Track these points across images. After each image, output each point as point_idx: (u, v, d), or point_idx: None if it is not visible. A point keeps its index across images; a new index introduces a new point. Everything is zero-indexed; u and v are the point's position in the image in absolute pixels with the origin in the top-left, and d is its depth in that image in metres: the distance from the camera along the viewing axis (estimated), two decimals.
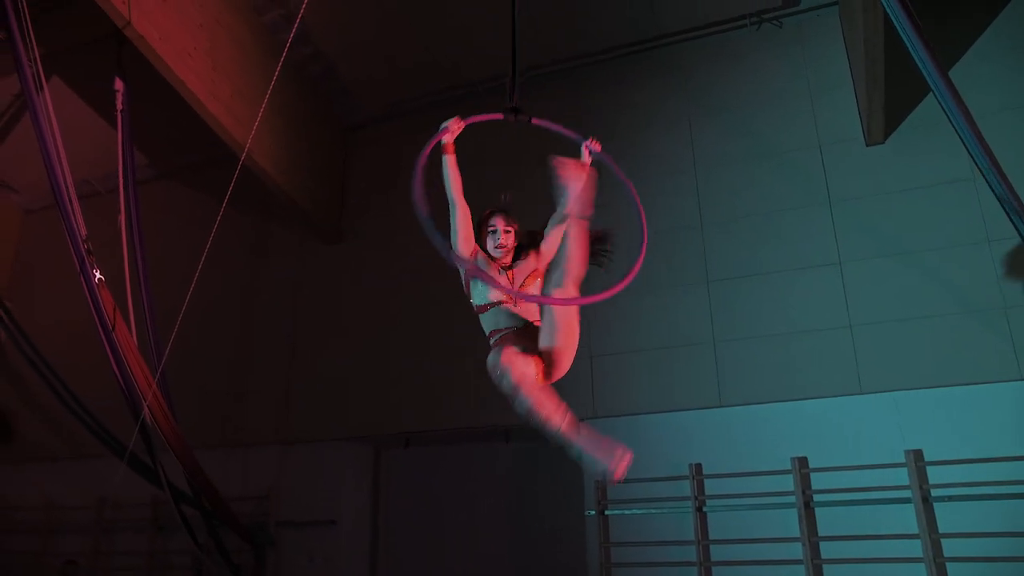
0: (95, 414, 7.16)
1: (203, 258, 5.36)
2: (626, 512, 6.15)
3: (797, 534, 5.50)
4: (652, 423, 6.33)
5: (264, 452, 7.66)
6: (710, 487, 5.98)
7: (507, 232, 3.34)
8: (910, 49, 3.52)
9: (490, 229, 3.36)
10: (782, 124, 6.68)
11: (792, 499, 5.59)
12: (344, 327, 7.82)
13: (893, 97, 5.87)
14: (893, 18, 3.52)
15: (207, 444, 7.58)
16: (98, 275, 5.77)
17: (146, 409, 5.88)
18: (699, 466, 6.01)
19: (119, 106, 6.65)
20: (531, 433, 6.98)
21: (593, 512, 6.21)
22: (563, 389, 6.66)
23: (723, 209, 6.59)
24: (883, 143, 6.31)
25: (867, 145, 6.35)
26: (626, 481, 6.01)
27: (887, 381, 5.79)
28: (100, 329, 5.97)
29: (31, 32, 5.56)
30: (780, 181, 6.55)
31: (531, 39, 7.12)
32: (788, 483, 5.63)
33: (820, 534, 5.48)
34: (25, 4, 5.48)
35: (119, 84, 6.70)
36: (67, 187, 5.66)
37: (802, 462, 5.66)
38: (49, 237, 8.51)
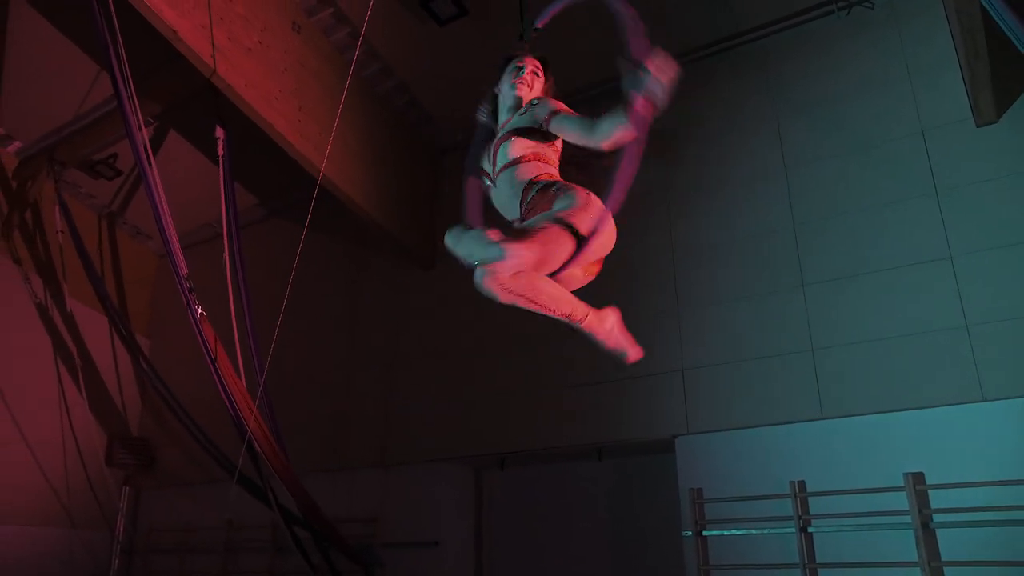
0: (215, 441, 7.65)
1: (290, 283, 5.65)
2: (725, 533, 5.83)
3: (915, 558, 4.99)
4: (748, 438, 5.98)
5: (368, 475, 7.87)
6: (815, 506, 5.56)
7: (535, 74, 2.95)
8: (1001, 25, 3.16)
9: (517, 65, 2.98)
10: (879, 113, 6.20)
11: (907, 519, 5.09)
12: (440, 349, 7.94)
13: (1003, 70, 5.30)
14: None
15: (316, 468, 7.92)
16: (200, 311, 6.19)
17: (248, 435, 6.20)
18: (802, 483, 5.60)
19: (220, 152, 7.15)
20: (623, 450, 6.79)
21: (690, 533, 5.92)
22: (652, 403, 6.44)
23: (817, 208, 6.18)
24: (996, 122, 5.71)
25: (977, 126, 5.77)
26: (725, 500, 5.76)
27: (1015, 387, 5.18)
28: (208, 361, 6.40)
29: (135, 100, 6.08)
30: (879, 174, 6.06)
31: (605, 51, 7.04)
32: (902, 501, 5.14)
33: (943, 558, 4.95)
34: (129, 73, 6.00)
35: (219, 131, 7.21)
36: (168, 233, 6.12)
37: (917, 478, 5.14)
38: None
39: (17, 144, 8.86)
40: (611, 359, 6.76)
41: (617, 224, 2.80)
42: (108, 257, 10.03)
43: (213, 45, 5.98)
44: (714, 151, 6.72)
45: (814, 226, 6.15)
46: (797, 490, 5.60)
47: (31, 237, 9.03)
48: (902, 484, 5.15)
